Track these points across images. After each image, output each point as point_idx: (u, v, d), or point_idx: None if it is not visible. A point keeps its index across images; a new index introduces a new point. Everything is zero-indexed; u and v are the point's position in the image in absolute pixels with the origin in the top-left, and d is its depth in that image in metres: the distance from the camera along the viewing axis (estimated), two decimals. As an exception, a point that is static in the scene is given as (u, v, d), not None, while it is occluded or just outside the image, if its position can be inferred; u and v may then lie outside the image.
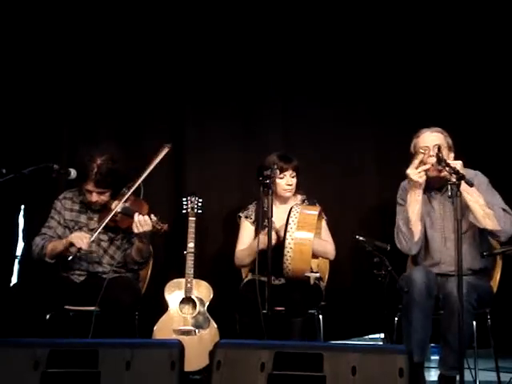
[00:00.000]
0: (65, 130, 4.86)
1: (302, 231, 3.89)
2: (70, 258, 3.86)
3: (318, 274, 4.11)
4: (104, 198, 4.00)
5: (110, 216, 3.92)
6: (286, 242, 3.87)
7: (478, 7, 4.84)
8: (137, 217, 3.86)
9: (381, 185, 4.86)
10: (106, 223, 3.94)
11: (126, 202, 3.97)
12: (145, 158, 4.23)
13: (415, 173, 3.87)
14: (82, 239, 3.86)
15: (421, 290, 3.67)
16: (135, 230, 3.87)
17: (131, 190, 3.97)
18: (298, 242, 3.86)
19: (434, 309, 3.74)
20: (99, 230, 3.92)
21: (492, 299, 3.99)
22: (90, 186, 3.94)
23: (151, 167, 4.02)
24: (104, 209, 4.03)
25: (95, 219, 4.08)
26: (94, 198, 3.98)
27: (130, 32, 4.89)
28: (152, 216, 3.88)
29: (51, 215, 4.13)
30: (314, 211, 4.03)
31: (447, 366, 3.67)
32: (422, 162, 3.88)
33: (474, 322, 3.78)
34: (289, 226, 3.89)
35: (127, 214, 3.94)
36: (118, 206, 3.95)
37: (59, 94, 4.85)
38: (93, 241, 3.91)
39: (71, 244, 3.87)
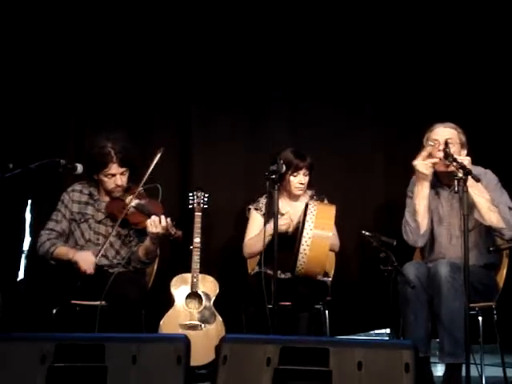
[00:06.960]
0: (71, 125, 4.88)
1: (319, 230, 3.84)
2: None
3: (329, 279, 4.12)
4: (125, 179, 3.99)
5: (124, 212, 3.91)
6: (303, 239, 3.83)
7: (487, 4, 4.80)
8: (153, 217, 3.83)
9: (387, 180, 4.86)
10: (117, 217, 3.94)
11: (141, 199, 3.97)
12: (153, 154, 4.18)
13: (422, 164, 3.86)
14: (87, 263, 3.87)
15: (415, 286, 3.68)
16: (150, 230, 3.85)
17: (140, 186, 3.96)
18: (315, 243, 3.81)
19: (429, 301, 3.74)
20: (110, 237, 3.95)
21: (496, 292, 3.99)
22: (113, 169, 3.94)
23: (149, 171, 3.98)
24: (115, 200, 4.02)
25: (102, 211, 4.07)
26: (119, 180, 3.97)
27: (137, 26, 4.89)
28: (168, 219, 3.85)
29: (58, 207, 4.11)
30: (331, 213, 3.96)
31: (443, 352, 3.66)
32: (431, 155, 3.88)
33: (480, 318, 3.78)
34: (306, 224, 3.84)
35: (141, 210, 3.93)
36: (132, 201, 3.94)
37: (66, 88, 4.86)
38: (99, 255, 3.93)
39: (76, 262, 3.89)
